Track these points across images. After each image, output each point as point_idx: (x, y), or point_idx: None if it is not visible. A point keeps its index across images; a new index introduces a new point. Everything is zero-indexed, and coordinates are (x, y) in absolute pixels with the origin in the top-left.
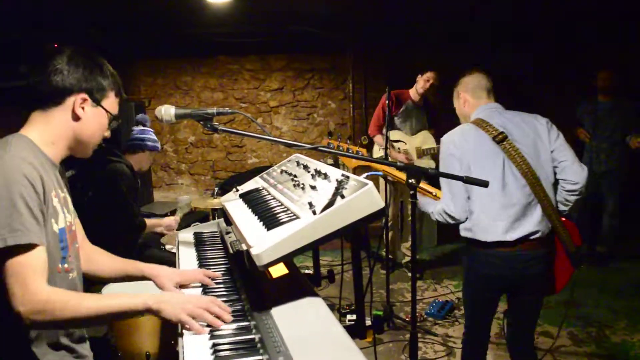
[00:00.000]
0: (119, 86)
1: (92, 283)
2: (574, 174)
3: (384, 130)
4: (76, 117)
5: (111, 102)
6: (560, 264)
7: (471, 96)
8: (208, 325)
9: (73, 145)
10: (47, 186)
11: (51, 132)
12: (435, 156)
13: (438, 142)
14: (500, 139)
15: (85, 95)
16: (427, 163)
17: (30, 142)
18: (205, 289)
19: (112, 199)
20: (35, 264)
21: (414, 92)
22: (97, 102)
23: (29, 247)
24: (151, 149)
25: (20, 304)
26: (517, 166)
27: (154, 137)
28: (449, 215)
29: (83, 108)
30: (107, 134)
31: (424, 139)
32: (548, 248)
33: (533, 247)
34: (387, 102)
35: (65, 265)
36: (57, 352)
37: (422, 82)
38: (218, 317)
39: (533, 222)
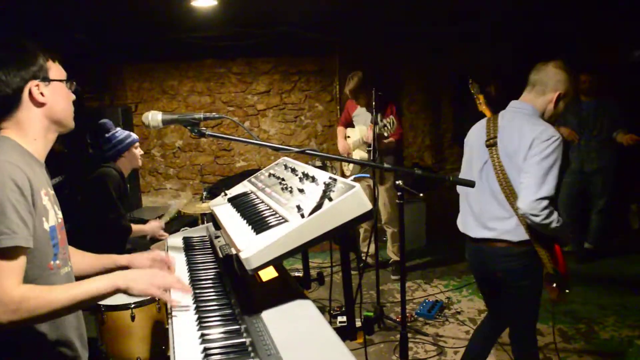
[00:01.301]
0: (48, 52)
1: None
2: (520, 198)
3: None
4: (40, 104)
5: (55, 70)
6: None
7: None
8: (199, 323)
9: (54, 128)
10: (36, 186)
11: (28, 130)
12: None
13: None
14: (490, 143)
15: (35, 82)
16: (359, 153)
17: (14, 143)
18: (195, 292)
19: (100, 200)
20: (14, 265)
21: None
22: (46, 79)
23: (12, 249)
24: (125, 149)
25: None
26: (496, 174)
27: (121, 135)
28: None
29: (42, 93)
30: (73, 96)
31: (359, 131)
32: (522, 247)
33: (504, 244)
34: (373, 103)
35: (57, 262)
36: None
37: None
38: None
39: (503, 230)
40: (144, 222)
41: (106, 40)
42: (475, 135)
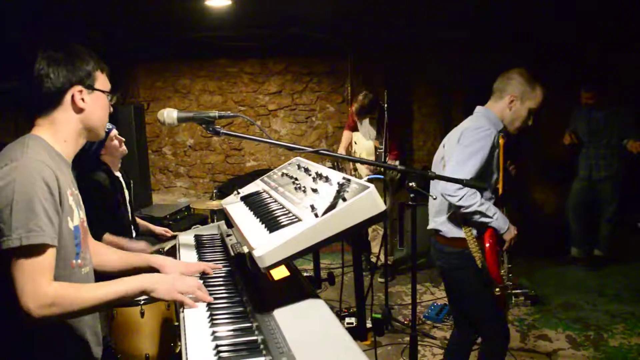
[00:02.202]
0: (99, 61)
1: (100, 277)
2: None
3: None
4: (79, 110)
5: (102, 81)
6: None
7: None
8: (211, 320)
9: (85, 134)
10: (63, 186)
11: (61, 131)
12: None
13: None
14: (443, 143)
15: (80, 87)
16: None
17: (44, 143)
18: (208, 290)
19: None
20: (45, 262)
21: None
22: (92, 87)
23: (42, 247)
24: (101, 145)
25: (31, 300)
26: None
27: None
28: None
29: (83, 99)
30: (110, 109)
31: (366, 148)
32: (460, 247)
33: (442, 241)
34: (385, 105)
35: (79, 261)
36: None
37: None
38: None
39: (440, 221)
40: (154, 219)
41: (120, 39)
42: (448, 137)
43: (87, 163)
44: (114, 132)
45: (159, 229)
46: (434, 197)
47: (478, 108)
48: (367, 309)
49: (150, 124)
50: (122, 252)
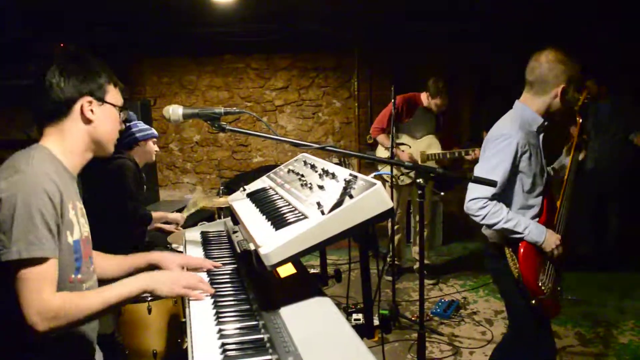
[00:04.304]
0: (113, 76)
1: (101, 283)
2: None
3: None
4: (87, 121)
5: (113, 95)
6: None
7: None
8: (217, 318)
9: (93, 148)
10: (65, 200)
11: (68, 142)
12: (438, 161)
13: (444, 147)
14: None
15: (89, 98)
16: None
17: (50, 155)
18: (213, 287)
19: (118, 191)
20: (48, 275)
21: (425, 98)
22: (102, 99)
23: (43, 260)
24: (143, 139)
25: (36, 313)
26: None
27: (142, 126)
28: None
29: (92, 110)
30: (122, 126)
31: (429, 143)
32: (496, 250)
33: (486, 243)
34: (392, 101)
35: (79, 276)
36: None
37: (434, 105)
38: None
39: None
40: None
41: (127, 35)
42: None
43: (119, 145)
44: (155, 139)
45: (168, 227)
46: (442, 192)
47: (517, 104)
48: (374, 305)
49: (157, 120)
50: (119, 258)
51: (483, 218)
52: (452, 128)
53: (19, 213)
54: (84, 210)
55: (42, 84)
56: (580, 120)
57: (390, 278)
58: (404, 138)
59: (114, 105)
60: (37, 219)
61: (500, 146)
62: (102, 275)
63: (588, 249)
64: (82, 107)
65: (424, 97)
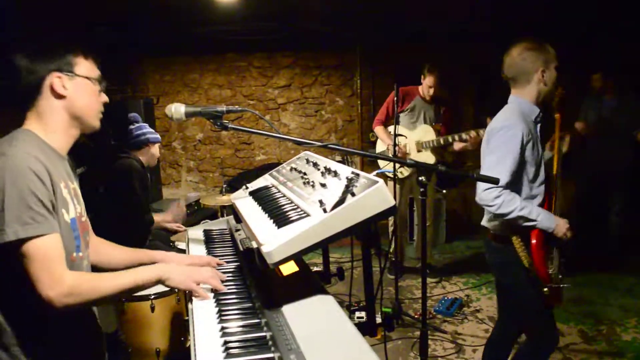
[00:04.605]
0: (83, 49)
1: None
2: (477, 190)
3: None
4: (60, 96)
5: (86, 67)
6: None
7: None
8: (220, 316)
9: (75, 124)
10: (55, 178)
11: (48, 122)
12: (435, 149)
13: (439, 134)
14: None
15: (58, 74)
16: (427, 156)
17: (34, 136)
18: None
19: (124, 193)
20: (54, 251)
21: (421, 88)
22: (72, 72)
23: (43, 237)
24: (153, 141)
25: (49, 289)
26: None
27: (151, 130)
28: None
29: (64, 86)
30: (104, 98)
31: (424, 132)
32: (498, 242)
33: (489, 236)
34: (394, 99)
35: (80, 254)
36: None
37: (426, 89)
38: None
39: (487, 218)
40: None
41: (129, 34)
42: None
43: (127, 144)
44: (160, 145)
45: (173, 226)
46: (443, 191)
47: (511, 97)
48: (377, 303)
49: (159, 119)
50: (126, 249)
51: (499, 207)
52: (452, 121)
53: (8, 195)
54: (77, 190)
55: (11, 69)
56: (558, 116)
57: (392, 277)
58: (401, 129)
59: (88, 78)
60: (29, 199)
61: (506, 136)
62: (108, 263)
63: (590, 246)
64: (52, 84)
65: (421, 89)
